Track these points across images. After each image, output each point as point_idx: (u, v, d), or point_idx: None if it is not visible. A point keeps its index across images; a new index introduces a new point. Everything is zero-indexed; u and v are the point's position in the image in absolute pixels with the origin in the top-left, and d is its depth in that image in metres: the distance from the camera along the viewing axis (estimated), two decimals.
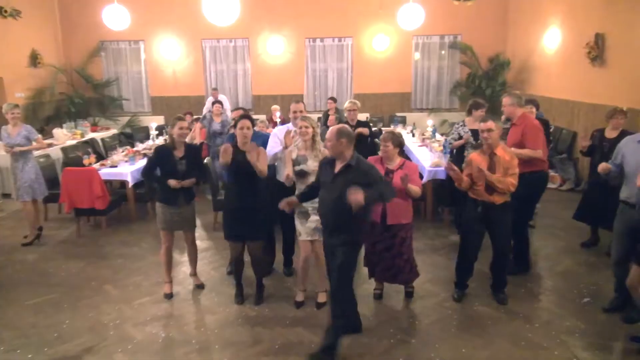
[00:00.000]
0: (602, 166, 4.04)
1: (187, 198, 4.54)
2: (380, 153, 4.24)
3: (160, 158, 4.44)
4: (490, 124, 4.09)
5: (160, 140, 8.57)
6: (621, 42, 6.99)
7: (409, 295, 4.52)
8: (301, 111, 4.71)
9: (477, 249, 4.36)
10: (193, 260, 4.84)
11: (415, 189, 4.06)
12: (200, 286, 4.80)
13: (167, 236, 4.59)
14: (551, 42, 9.17)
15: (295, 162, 4.15)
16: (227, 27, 7.16)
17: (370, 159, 4.24)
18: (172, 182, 4.34)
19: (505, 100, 4.78)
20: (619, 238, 4.04)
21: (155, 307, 4.46)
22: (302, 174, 4.12)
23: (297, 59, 11.98)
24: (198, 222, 6.68)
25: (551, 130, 7.21)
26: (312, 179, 4.03)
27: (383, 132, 4.71)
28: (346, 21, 11.64)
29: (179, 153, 4.43)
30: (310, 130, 4.14)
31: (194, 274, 4.87)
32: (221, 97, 10.61)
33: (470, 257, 4.39)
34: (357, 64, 11.95)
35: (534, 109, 6.01)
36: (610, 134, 5.26)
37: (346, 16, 11.59)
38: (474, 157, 4.24)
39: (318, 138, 4.20)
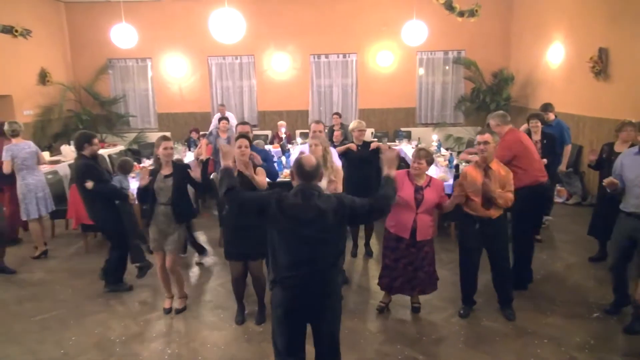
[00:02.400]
0: (608, 180, 4.06)
1: (174, 218, 4.40)
2: (412, 170, 4.19)
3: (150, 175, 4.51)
4: (487, 136, 4.04)
5: None
6: (625, 56, 7.02)
7: (415, 310, 4.50)
8: (320, 131, 4.79)
9: (476, 264, 4.32)
10: (175, 284, 4.64)
11: (448, 204, 4.18)
12: (179, 310, 4.61)
13: (157, 255, 4.54)
14: (555, 56, 9.22)
15: None
16: (233, 44, 7.24)
17: (398, 174, 4.21)
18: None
19: (490, 122, 4.76)
20: (617, 245, 4.25)
21: (161, 324, 4.45)
22: None
23: (302, 75, 12.09)
24: (204, 237, 6.75)
25: None
26: None
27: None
28: (350, 38, 11.76)
29: (165, 171, 4.43)
30: (320, 148, 4.16)
31: (178, 296, 4.67)
32: (228, 115, 10.72)
33: (471, 273, 4.35)
34: (361, 80, 12.03)
35: (539, 123, 6.01)
36: (619, 147, 5.22)
37: (350, 33, 11.72)
38: (469, 170, 4.21)
39: (329, 157, 4.21)
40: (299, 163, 2.85)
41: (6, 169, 6.00)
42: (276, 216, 2.74)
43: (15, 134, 6.10)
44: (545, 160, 5.65)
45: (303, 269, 2.74)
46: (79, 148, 4.85)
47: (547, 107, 6.74)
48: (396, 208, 4.20)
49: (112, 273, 5.14)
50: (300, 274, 2.75)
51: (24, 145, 6.12)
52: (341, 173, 4.32)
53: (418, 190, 4.14)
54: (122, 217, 5.06)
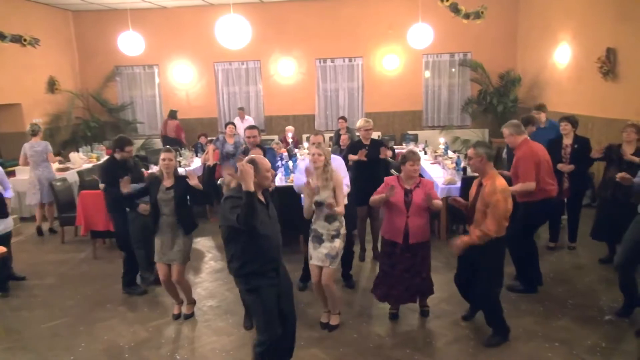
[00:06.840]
0: (622, 175, 4.00)
1: (175, 229, 4.41)
2: (408, 173, 4.15)
3: (150, 185, 4.53)
4: (470, 151, 3.91)
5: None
6: (633, 55, 6.96)
7: (424, 314, 4.47)
8: (320, 143, 4.83)
9: (464, 274, 4.15)
10: (183, 293, 4.66)
11: (438, 203, 4.13)
12: (187, 316, 4.62)
13: (160, 269, 4.50)
14: (562, 57, 9.16)
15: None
16: (239, 50, 7.27)
17: (388, 180, 4.25)
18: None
19: (504, 131, 4.77)
20: (628, 245, 4.14)
21: (170, 329, 4.46)
22: (317, 205, 4.12)
23: (308, 79, 12.12)
24: (212, 242, 6.77)
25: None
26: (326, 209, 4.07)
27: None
28: (356, 41, 11.77)
29: (167, 183, 4.45)
30: (322, 158, 4.14)
31: (187, 302, 4.68)
32: (248, 119, 10.86)
33: (460, 280, 4.22)
34: (367, 84, 12.03)
35: (569, 126, 5.73)
36: (625, 148, 5.21)
37: (356, 37, 11.73)
38: (474, 182, 4.06)
39: (329, 167, 4.19)
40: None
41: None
42: None
43: (34, 133, 7.29)
44: (572, 167, 5.58)
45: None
46: (114, 149, 5.17)
47: (540, 107, 6.72)
48: (388, 214, 4.22)
49: (125, 275, 5.28)
50: None
51: (35, 144, 7.22)
52: (341, 183, 4.26)
53: (407, 193, 4.13)
54: (130, 223, 5.07)
